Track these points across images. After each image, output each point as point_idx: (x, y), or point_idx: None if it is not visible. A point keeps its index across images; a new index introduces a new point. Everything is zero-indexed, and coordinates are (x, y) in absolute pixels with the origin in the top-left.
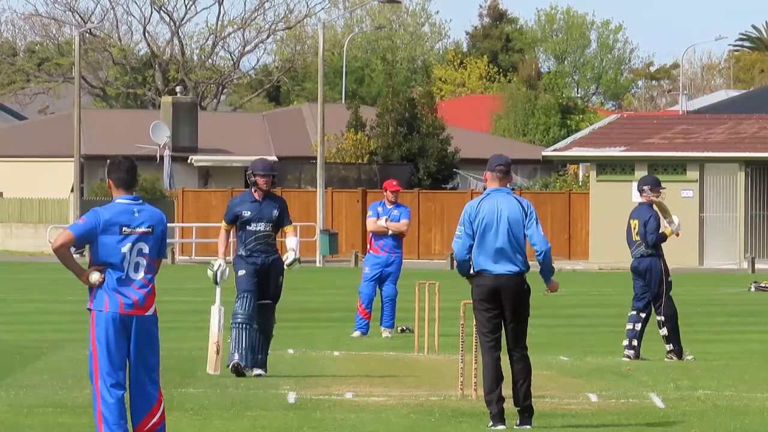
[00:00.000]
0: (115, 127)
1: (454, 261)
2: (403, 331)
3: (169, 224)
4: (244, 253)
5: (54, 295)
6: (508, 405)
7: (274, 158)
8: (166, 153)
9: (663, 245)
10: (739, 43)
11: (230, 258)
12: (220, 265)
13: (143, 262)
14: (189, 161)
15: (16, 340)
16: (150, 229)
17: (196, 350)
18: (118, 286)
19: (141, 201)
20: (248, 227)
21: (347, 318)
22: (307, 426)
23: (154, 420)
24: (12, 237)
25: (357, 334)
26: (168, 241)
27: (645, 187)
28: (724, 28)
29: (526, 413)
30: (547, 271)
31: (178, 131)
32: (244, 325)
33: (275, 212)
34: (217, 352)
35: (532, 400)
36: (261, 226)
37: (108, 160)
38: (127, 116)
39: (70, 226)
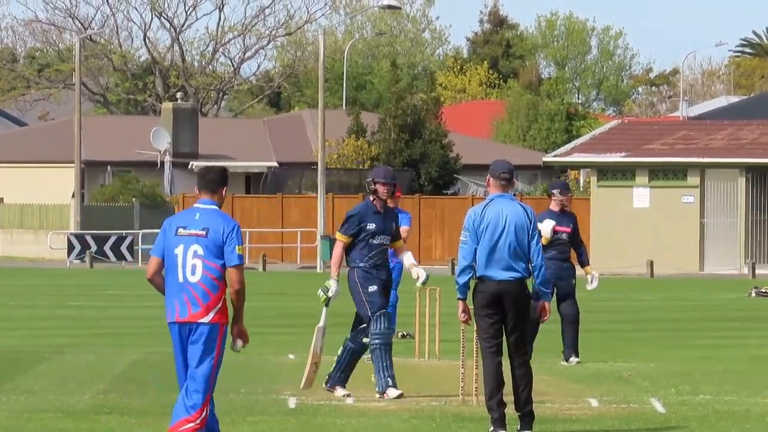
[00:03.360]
0: (115, 133)
1: (456, 266)
2: (404, 336)
3: None
4: (367, 267)
5: (55, 300)
6: (509, 410)
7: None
8: (167, 159)
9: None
10: (740, 49)
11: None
12: (336, 289)
13: (199, 264)
14: (189, 167)
15: (17, 346)
16: (203, 232)
17: None
18: (175, 291)
19: (213, 207)
20: (372, 240)
21: (347, 323)
22: (308, 431)
23: (185, 427)
24: (13, 243)
25: None
26: None
27: (555, 191)
28: (724, 34)
29: (527, 418)
30: (545, 282)
31: (179, 137)
32: (384, 347)
33: (394, 225)
34: (315, 371)
35: (533, 405)
36: (383, 240)
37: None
38: (128, 122)
39: (150, 251)
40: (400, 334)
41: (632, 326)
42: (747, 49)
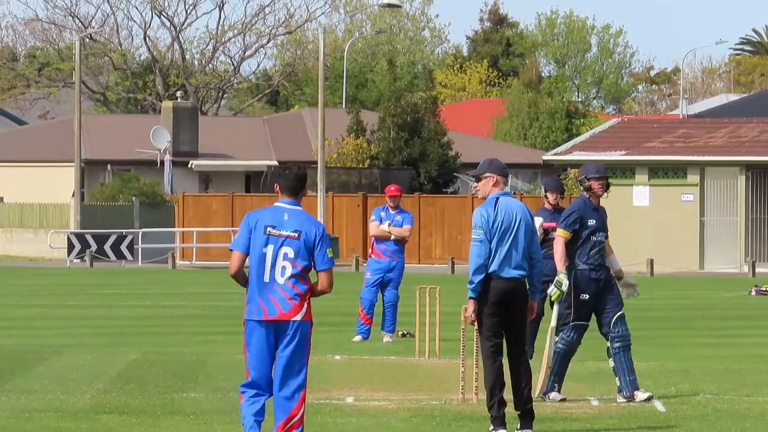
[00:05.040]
0: (115, 132)
1: (456, 265)
2: (404, 335)
3: (168, 229)
4: (587, 269)
5: (55, 300)
6: (509, 409)
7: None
8: (167, 158)
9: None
10: (740, 47)
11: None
12: (569, 285)
13: (289, 266)
14: (189, 166)
15: (17, 345)
16: (296, 234)
17: (197, 355)
18: (261, 290)
19: (299, 208)
20: (592, 237)
21: (348, 323)
22: (308, 430)
23: (293, 422)
24: (13, 242)
25: (358, 338)
26: (167, 245)
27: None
28: (724, 32)
29: (527, 417)
30: (539, 281)
31: (179, 136)
32: (564, 354)
33: (606, 222)
34: (548, 375)
35: (533, 404)
36: (602, 237)
37: (279, 167)
38: (128, 121)
39: (230, 245)
40: (400, 333)
41: (632, 325)
42: (747, 47)
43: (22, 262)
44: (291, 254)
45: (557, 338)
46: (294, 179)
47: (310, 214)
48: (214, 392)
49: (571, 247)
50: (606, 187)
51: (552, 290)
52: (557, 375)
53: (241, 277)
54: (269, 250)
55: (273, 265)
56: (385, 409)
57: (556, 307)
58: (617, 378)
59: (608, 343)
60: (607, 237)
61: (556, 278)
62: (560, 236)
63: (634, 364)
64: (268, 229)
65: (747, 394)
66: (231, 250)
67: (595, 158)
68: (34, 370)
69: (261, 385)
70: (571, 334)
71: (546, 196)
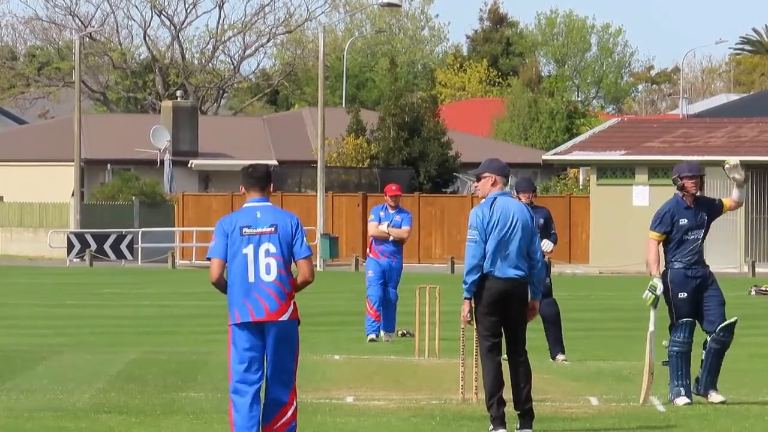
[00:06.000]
0: (115, 131)
1: (456, 265)
2: (403, 335)
3: (168, 228)
4: (682, 267)
5: (54, 299)
6: (509, 408)
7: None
8: (167, 157)
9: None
10: (740, 46)
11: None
12: (662, 287)
13: (273, 262)
14: (189, 165)
15: (17, 345)
16: (272, 228)
17: (197, 354)
18: (246, 291)
19: (269, 203)
20: (686, 237)
21: (348, 322)
22: (307, 430)
23: (283, 421)
24: (12, 241)
25: (372, 336)
26: (167, 245)
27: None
28: (724, 32)
29: (527, 417)
30: (540, 282)
31: (179, 135)
32: (681, 355)
33: (707, 218)
34: (652, 381)
35: (533, 403)
36: (697, 234)
37: (246, 168)
38: (128, 120)
39: (208, 254)
40: (400, 332)
41: (632, 324)
42: (747, 47)
43: (21, 261)
44: (272, 249)
45: (666, 343)
46: (259, 176)
47: (280, 207)
48: (214, 392)
49: (665, 246)
50: (700, 186)
51: (646, 294)
52: (680, 378)
53: (222, 284)
54: (250, 250)
55: (256, 265)
56: (384, 408)
57: (652, 313)
58: (701, 372)
59: (707, 338)
60: (725, 207)
61: (650, 282)
62: (652, 239)
63: (689, 370)
64: (244, 230)
65: (746, 394)
66: (209, 258)
67: (595, 158)
68: (34, 369)
69: (249, 391)
70: (679, 334)
71: (519, 198)
